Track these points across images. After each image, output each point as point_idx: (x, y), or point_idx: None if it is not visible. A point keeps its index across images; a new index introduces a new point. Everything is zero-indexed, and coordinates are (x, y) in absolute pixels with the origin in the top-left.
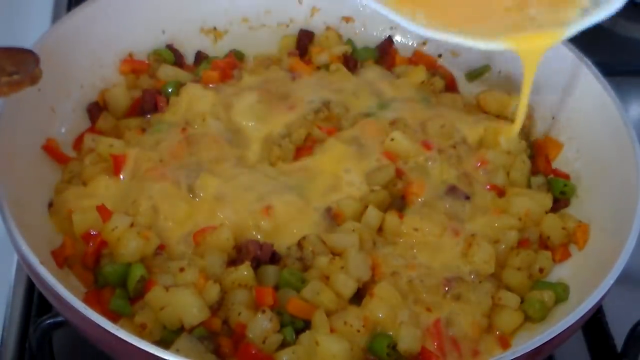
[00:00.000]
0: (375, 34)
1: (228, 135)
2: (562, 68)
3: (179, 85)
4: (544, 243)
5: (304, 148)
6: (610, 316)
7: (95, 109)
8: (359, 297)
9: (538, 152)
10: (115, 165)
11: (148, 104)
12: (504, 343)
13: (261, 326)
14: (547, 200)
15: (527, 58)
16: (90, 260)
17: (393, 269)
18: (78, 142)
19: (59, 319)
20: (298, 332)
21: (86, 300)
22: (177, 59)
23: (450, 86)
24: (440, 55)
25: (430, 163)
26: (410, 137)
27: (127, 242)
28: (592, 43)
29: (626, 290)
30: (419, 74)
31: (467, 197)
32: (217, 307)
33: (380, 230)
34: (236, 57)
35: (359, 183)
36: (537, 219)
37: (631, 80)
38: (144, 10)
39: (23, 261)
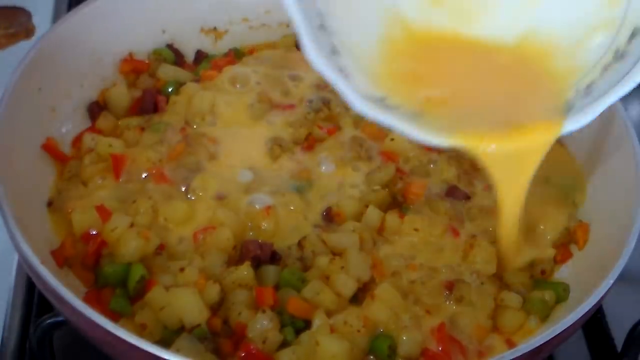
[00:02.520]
0: None
1: None
2: None
3: (179, 85)
4: None
5: (305, 147)
6: (610, 316)
7: (96, 108)
8: (359, 297)
9: None
10: (115, 165)
11: (148, 104)
12: (510, 344)
13: (261, 326)
14: None
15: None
16: (90, 260)
17: (393, 269)
18: (77, 141)
19: (60, 318)
20: (298, 332)
21: (86, 300)
22: (178, 59)
23: None
24: None
25: (430, 163)
26: None
27: (127, 242)
28: None
29: (626, 290)
30: None
31: (468, 197)
32: (217, 307)
33: (380, 230)
34: (236, 56)
35: (359, 183)
36: None
37: None
38: (144, 10)
39: (23, 261)
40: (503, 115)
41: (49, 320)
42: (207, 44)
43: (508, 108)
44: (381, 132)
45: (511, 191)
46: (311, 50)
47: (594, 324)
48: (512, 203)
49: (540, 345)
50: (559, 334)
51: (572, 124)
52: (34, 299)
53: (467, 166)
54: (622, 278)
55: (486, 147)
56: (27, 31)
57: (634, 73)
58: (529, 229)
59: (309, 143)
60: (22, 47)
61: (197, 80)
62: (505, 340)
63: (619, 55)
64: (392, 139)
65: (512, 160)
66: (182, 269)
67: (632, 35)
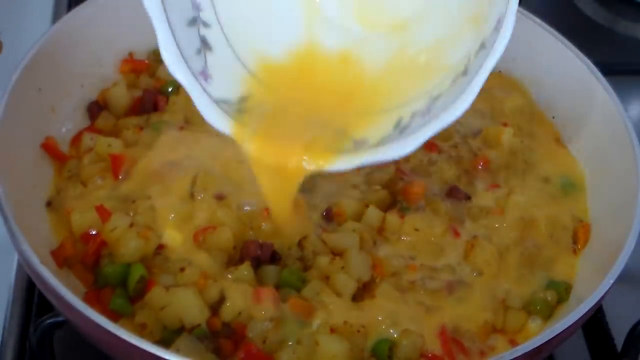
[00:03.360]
0: None
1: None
2: (562, 68)
3: (179, 85)
4: None
5: None
6: (610, 316)
7: (95, 108)
8: (359, 297)
9: None
10: (114, 164)
11: (148, 104)
12: (514, 344)
13: (261, 326)
14: None
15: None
16: (90, 260)
17: (394, 269)
18: (76, 140)
19: (60, 318)
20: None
21: (86, 300)
22: None
23: None
24: None
25: (431, 163)
26: None
27: (126, 242)
28: (592, 43)
29: (626, 290)
30: None
31: (468, 197)
32: (217, 307)
33: (380, 230)
34: None
35: (360, 183)
36: None
37: (631, 80)
38: (144, 10)
39: (24, 261)
40: (308, 132)
41: (49, 320)
42: None
43: (319, 127)
44: None
45: (277, 200)
46: (168, 53)
47: (594, 324)
48: (280, 209)
49: (540, 345)
50: (558, 334)
51: (380, 155)
52: (34, 299)
53: (467, 166)
54: (622, 278)
55: (248, 146)
56: None
57: (467, 92)
58: (527, 228)
59: None
60: None
61: None
62: (509, 340)
63: (464, 71)
64: None
65: (274, 173)
66: (182, 269)
67: (479, 48)
